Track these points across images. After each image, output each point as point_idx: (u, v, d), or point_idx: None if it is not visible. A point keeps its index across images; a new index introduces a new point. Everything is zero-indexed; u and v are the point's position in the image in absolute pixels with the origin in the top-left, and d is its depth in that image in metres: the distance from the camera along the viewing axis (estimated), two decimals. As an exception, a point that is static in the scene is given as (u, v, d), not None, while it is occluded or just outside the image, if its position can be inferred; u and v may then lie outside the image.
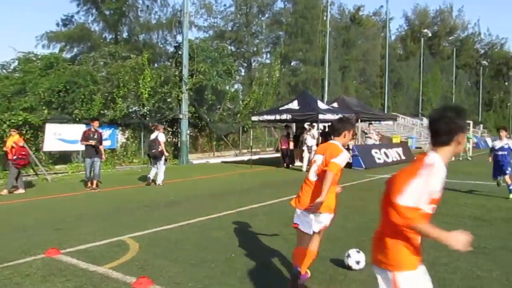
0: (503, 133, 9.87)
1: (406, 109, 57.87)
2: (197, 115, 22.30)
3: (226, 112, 25.34)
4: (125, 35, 30.53)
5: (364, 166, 17.06)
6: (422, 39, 56.85)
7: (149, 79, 19.34)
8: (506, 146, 9.70)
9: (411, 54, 65.05)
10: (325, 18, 39.17)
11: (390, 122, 38.28)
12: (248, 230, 6.56)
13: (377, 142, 21.94)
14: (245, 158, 21.48)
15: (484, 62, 75.36)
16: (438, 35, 75.40)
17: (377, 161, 18.45)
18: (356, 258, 4.61)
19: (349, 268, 4.63)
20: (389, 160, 19.23)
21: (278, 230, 6.53)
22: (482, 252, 5.36)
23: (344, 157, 4.02)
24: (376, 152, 18.82)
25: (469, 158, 23.62)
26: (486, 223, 7.11)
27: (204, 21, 43.06)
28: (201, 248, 5.55)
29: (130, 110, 19.71)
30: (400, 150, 21.06)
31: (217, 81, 23.22)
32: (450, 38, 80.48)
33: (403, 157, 20.56)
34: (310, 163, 4.67)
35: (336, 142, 4.14)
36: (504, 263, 4.93)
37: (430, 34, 61.16)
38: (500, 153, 9.84)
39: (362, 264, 4.58)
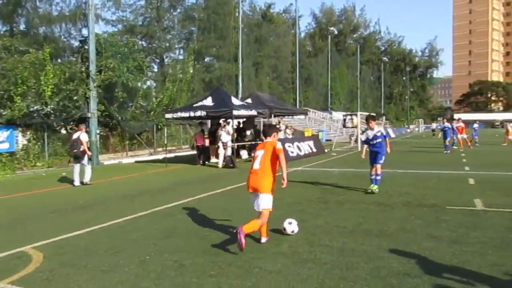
0: (372, 123, 9.45)
1: (317, 104, 60.58)
2: (107, 113, 21.26)
3: (138, 110, 24.49)
4: (22, 27, 28.05)
5: (278, 160, 17.52)
6: (329, 37, 59.81)
7: (52, 75, 18.02)
8: (379, 134, 9.34)
9: (320, 51, 68.14)
10: (237, 14, 39.53)
11: (302, 116, 39.77)
12: (163, 230, 6.42)
13: (290, 136, 22.68)
14: (160, 157, 20.96)
15: (385, 58, 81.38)
16: (344, 33, 79.86)
17: (291, 154, 19.06)
18: (288, 221, 5.99)
19: (284, 230, 5.89)
20: (302, 153, 19.99)
21: (195, 227, 6.49)
22: (384, 235, 5.80)
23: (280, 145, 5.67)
24: (289, 146, 19.43)
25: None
26: (388, 208, 7.70)
27: (112, 15, 41.14)
28: (114, 252, 5.32)
29: (31, 109, 18.21)
30: (311, 143, 21.98)
31: (128, 78, 22.33)
32: (354, 35, 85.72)
33: (314, 150, 21.49)
34: (253, 157, 5.86)
35: (269, 139, 5.74)
36: (403, 243, 5.38)
37: (336, 32, 64.53)
38: (375, 141, 9.37)
39: (294, 225, 5.90)
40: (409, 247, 5.21)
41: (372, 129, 9.47)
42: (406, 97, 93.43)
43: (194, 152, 19.31)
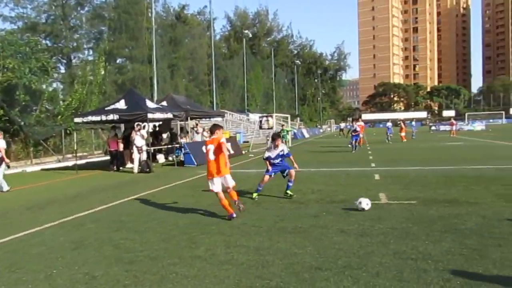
0: (278, 141, 8.84)
1: (234, 106, 61.13)
2: (7, 118, 19.55)
3: (44, 114, 22.90)
4: None
5: (196, 163, 17.42)
6: (244, 39, 60.66)
7: None
8: (281, 153, 8.81)
9: (235, 53, 68.86)
10: (150, 14, 38.52)
11: (219, 119, 39.81)
12: (72, 241, 6.05)
13: (208, 139, 22.59)
14: (70, 163, 19.74)
15: (297, 61, 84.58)
16: (258, 36, 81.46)
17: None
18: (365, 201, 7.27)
19: (362, 210, 7.13)
20: (220, 155, 20.03)
21: (108, 236, 6.22)
22: (298, 232, 6.03)
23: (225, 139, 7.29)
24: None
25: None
26: (302, 205, 8.01)
27: (10, 11, 37.81)
28: (16, 269, 4.90)
29: None
30: (229, 145, 22.11)
31: (30, 79, 20.77)
32: (268, 39, 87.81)
33: (232, 152, 21.66)
34: (205, 154, 7.24)
35: (215, 136, 7.21)
36: (315, 239, 5.63)
37: (250, 35, 65.69)
38: (276, 161, 8.88)
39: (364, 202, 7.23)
40: (321, 242, 5.46)
41: (276, 147, 8.83)
42: (319, 98, 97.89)
43: (108, 157, 18.48)
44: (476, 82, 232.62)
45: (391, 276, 4.15)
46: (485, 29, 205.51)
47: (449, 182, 10.23)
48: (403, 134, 31.05)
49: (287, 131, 29.08)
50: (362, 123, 27.17)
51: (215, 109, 44.59)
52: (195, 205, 8.43)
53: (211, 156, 7.06)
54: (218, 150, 7.02)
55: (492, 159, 15.43)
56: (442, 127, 57.25)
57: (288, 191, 8.98)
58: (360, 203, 7.25)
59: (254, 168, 15.59)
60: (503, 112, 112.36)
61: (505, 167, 12.92)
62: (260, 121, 29.45)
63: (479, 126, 59.30)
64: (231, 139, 24.88)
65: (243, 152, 23.93)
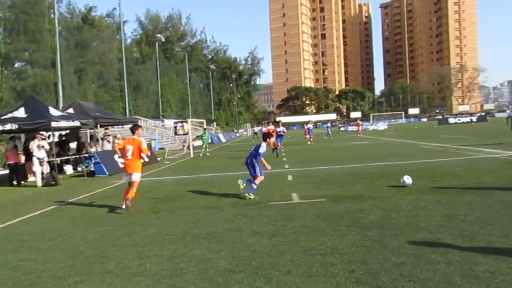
0: (271, 140, 9.57)
1: (148, 112, 59.54)
2: None
3: None
4: None
5: (107, 173, 16.67)
6: (157, 44, 59.44)
7: None
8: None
9: (148, 58, 67.12)
10: (52, 16, 36.13)
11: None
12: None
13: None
14: (-38, 179, 17.77)
15: (212, 66, 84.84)
16: (171, 40, 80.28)
17: (121, 165, 18.30)
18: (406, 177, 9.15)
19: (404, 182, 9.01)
20: (133, 163, 19.38)
21: (4, 258, 5.69)
22: (213, 236, 6.03)
23: (144, 141, 8.53)
24: (119, 157, 18.65)
25: (207, 154, 26.31)
26: (217, 210, 8.02)
27: None
28: None
29: None
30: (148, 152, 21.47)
31: None
32: (182, 43, 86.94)
33: (146, 159, 21.05)
34: (124, 151, 8.41)
35: (135, 136, 8.45)
36: (230, 242, 5.68)
37: (163, 39, 64.61)
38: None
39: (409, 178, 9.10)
40: (235, 245, 5.52)
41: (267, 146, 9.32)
42: (234, 103, 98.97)
43: (6, 171, 16.96)
44: (379, 85, 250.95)
45: (301, 272, 4.32)
46: (384, 36, 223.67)
47: (355, 179, 10.91)
48: (308, 136, 32.46)
49: (207, 135, 29.06)
50: (272, 127, 27.68)
51: (127, 115, 43.03)
52: (106, 217, 8.06)
53: (129, 155, 8.35)
54: (136, 153, 8.33)
55: (393, 156, 16.74)
56: (350, 128, 61.13)
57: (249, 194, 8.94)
58: (404, 181, 9.10)
59: (169, 175, 15.32)
60: (403, 113, 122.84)
61: (403, 163, 14.09)
62: (175, 127, 28.94)
63: (382, 126, 64.01)
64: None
65: (158, 159, 23.38)
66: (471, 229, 5.48)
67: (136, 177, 8.43)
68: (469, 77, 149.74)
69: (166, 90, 65.11)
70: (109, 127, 21.99)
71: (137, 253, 5.45)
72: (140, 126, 8.84)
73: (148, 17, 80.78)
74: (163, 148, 34.23)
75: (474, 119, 70.85)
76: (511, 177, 9.57)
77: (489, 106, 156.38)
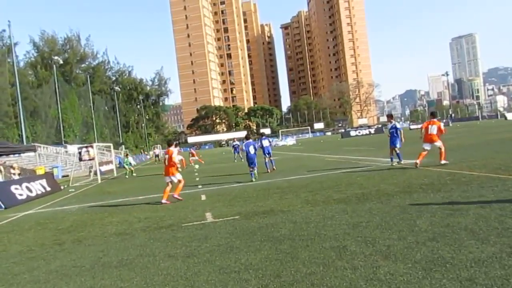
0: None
1: (48, 138, 55.61)
2: None
3: None
4: None
5: (3, 206, 15.20)
6: (54, 66, 55.98)
7: None
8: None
9: (44, 81, 62.97)
10: None
11: (31, 153, 35.69)
12: None
13: (16, 177, 20.03)
14: None
15: (117, 88, 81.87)
16: (70, 62, 76.32)
17: (19, 197, 16.85)
18: None
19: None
20: (33, 194, 17.93)
21: None
22: (124, 264, 5.78)
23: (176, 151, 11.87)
24: (16, 188, 17.14)
25: (134, 174, 27.03)
26: (128, 236, 7.71)
27: None
28: None
29: None
30: (44, 181, 19.99)
31: None
32: (82, 65, 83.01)
33: (48, 189, 19.67)
34: (164, 158, 11.66)
35: (170, 148, 11.63)
36: (142, 268, 5.49)
37: (61, 61, 61.06)
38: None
39: None
40: (148, 270, 5.35)
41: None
42: (143, 124, 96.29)
43: None
44: (285, 101, 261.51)
45: (216, 292, 4.32)
46: (287, 55, 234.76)
47: (266, 194, 11.19)
48: (192, 158, 32.78)
49: (129, 161, 28.42)
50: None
51: (24, 143, 39.74)
52: (2, 255, 7.34)
53: (166, 162, 11.58)
54: (169, 159, 11.47)
55: (301, 169, 17.48)
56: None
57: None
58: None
59: (75, 204, 14.39)
60: (309, 127, 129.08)
61: (310, 176, 14.77)
62: (80, 153, 27.34)
63: (291, 141, 66.52)
64: (47, 175, 22.48)
65: (62, 187, 21.86)
66: (373, 234, 5.91)
67: (176, 177, 11.63)
68: (365, 92, 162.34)
69: (67, 114, 61.44)
70: (4, 156, 20.16)
71: (39, 292, 5.04)
72: (172, 140, 13.02)
73: (43, 38, 75.95)
74: (67, 176, 32.11)
75: (372, 131, 76.88)
76: (406, 183, 10.50)
77: (384, 118, 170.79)
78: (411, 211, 7.06)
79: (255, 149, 16.06)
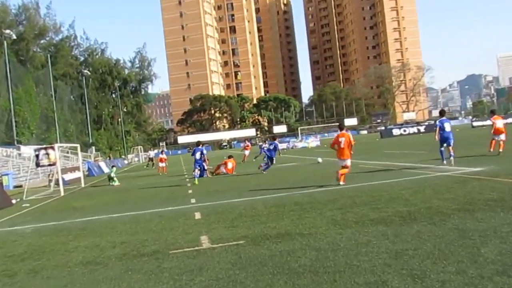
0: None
1: (-4, 137, 56.12)
2: None
3: None
4: None
5: None
6: (5, 42, 56.48)
7: None
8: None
9: (-8, 62, 63.58)
10: None
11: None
12: None
13: None
14: None
15: (86, 71, 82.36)
16: (26, 38, 77.00)
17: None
18: None
19: None
20: (-24, 210, 18.12)
21: None
22: (94, 304, 5.82)
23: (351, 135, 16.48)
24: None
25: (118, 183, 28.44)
26: (99, 266, 7.74)
27: None
28: None
29: None
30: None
31: None
32: (42, 42, 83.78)
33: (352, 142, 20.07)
34: (338, 142, 15.34)
35: (344, 131, 15.75)
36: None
37: (15, 36, 61.60)
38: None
39: None
40: (125, 312, 5.38)
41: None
42: (119, 119, 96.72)
43: None
44: (307, 90, 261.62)
45: None
46: (309, 29, 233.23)
47: (280, 212, 11.19)
48: (161, 165, 35.75)
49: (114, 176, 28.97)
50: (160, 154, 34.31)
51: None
52: None
53: (342, 145, 15.07)
54: (348, 142, 15.06)
55: (325, 179, 17.39)
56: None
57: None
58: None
59: (30, 223, 14.50)
60: (338, 124, 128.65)
61: (338, 188, 14.72)
62: (37, 156, 27.55)
63: (313, 141, 66.64)
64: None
65: (14, 201, 22.05)
66: (422, 266, 5.86)
67: (348, 162, 15.20)
68: (413, 78, 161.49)
69: (21, 106, 61.93)
70: None
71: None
72: (344, 127, 16.79)
73: (-10, 7, 76.90)
74: (21, 186, 32.38)
75: (422, 129, 76.38)
76: (466, 198, 10.42)
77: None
78: (473, 236, 7.01)
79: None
